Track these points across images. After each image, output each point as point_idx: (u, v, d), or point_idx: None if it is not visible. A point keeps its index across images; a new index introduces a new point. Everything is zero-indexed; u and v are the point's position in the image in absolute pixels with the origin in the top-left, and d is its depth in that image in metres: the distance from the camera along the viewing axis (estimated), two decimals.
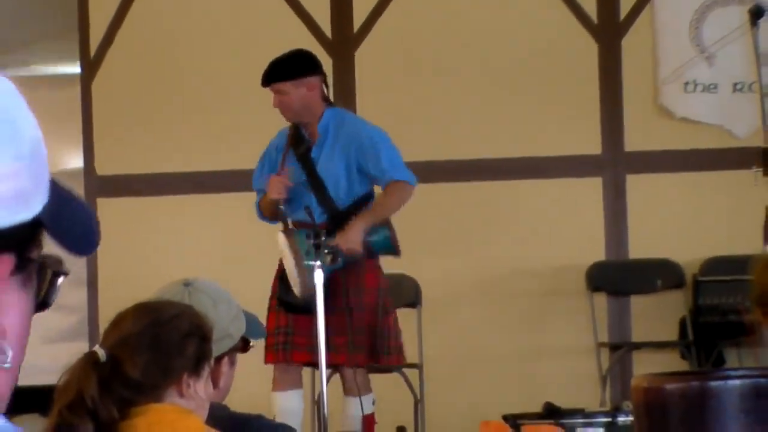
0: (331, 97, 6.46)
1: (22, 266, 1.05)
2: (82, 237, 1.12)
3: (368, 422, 5.92)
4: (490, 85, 7.88)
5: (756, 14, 6.68)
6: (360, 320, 5.77)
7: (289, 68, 6.08)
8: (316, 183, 6.06)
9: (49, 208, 1.05)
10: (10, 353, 1.03)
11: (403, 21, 7.90)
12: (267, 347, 5.88)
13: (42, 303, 1.09)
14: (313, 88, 6.07)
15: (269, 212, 6.13)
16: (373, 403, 5.98)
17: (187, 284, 3.13)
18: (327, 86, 6.24)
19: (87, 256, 1.26)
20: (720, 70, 7.70)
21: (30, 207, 1.03)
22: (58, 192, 1.07)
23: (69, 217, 1.10)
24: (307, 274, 5.76)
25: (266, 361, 5.95)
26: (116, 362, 2.63)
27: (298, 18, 7.93)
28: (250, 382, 6.02)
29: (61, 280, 1.12)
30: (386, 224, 6.01)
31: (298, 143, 6.11)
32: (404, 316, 6.91)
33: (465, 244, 7.79)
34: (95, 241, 1.14)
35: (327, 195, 6.05)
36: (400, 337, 6.22)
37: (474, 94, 7.87)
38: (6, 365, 1.03)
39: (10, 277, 1.03)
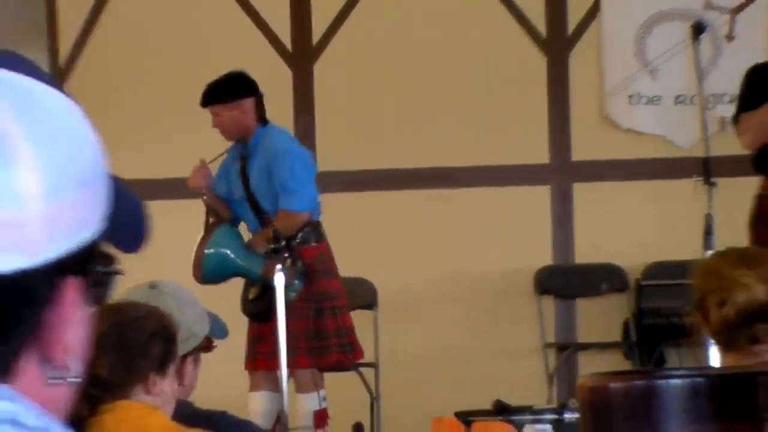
0: (292, 109, 6.63)
1: (86, 284, 1.04)
2: (132, 233, 1.13)
3: (319, 417, 6.08)
4: (445, 98, 7.97)
5: (698, 30, 6.74)
6: (294, 325, 5.87)
7: (222, 91, 6.32)
8: (249, 197, 6.29)
9: (105, 213, 1.03)
10: (75, 368, 1.04)
11: (361, 35, 7.98)
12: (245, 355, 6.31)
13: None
14: (246, 110, 6.28)
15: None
16: (324, 399, 6.13)
17: (152, 287, 3.19)
18: (262, 106, 6.40)
19: (135, 252, 1.19)
20: (663, 83, 7.79)
21: (91, 227, 1.01)
22: (112, 191, 1.05)
23: (121, 215, 1.07)
24: (204, 263, 6.16)
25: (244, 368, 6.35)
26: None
27: (259, 31, 8.01)
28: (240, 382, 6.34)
29: (115, 279, 1.14)
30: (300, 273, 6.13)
31: (240, 159, 6.34)
32: (362, 318, 7.09)
33: (420, 249, 7.86)
34: (144, 237, 1.14)
35: (260, 209, 6.27)
36: (346, 335, 6.35)
37: (429, 106, 7.95)
38: (72, 380, 1.04)
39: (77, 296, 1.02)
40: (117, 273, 1.16)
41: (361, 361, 6.82)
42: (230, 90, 6.34)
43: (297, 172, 6.20)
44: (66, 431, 1.05)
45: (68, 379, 1.06)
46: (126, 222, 1.11)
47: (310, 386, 6.15)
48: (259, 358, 6.20)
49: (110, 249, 1.09)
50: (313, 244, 6.25)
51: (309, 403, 6.11)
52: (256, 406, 6.15)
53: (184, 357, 3.10)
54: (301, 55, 8.03)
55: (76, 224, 0.99)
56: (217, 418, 3.50)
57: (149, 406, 3.00)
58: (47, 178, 0.97)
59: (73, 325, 1.04)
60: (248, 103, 6.28)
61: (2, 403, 1.01)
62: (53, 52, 8.21)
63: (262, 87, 6.60)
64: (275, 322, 5.60)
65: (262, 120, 6.35)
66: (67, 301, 1.02)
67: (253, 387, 6.25)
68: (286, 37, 8.04)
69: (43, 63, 8.41)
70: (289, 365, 5.78)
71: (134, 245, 1.15)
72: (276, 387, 5.93)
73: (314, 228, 6.31)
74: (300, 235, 6.15)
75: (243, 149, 6.34)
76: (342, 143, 7.88)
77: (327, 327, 6.19)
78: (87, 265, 1.03)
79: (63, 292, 1.01)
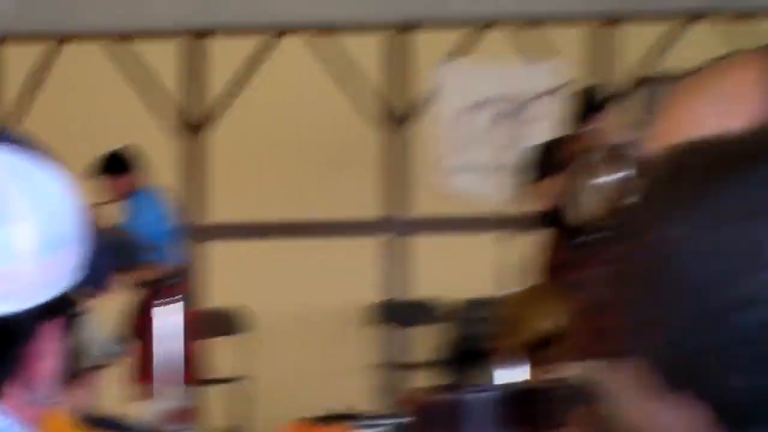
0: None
1: (62, 323, 1.10)
2: (101, 280, 1.18)
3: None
4: (304, 166, 8.86)
5: (509, 113, 7.60)
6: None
7: (104, 167, 7.41)
8: None
9: (83, 265, 1.09)
10: (51, 392, 1.11)
11: (245, 113, 8.83)
12: None
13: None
14: (124, 183, 7.41)
15: None
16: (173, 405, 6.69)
17: None
18: (139, 179, 7.50)
19: (99, 296, 1.21)
20: (484, 153, 8.31)
21: (72, 277, 1.08)
22: (87, 246, 1.10)
23: (94, 266, 1.11)
24: None
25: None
26: None
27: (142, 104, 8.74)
28: None
29: (83, 318, 1.24)
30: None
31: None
32: (236, 341, 8.25)
33: (285, 285, 8.57)
34: (110, 283, 1.19)
35: None
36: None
37: (292, 172, 8.84)
38: (48, 401, 1.12)
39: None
40: (85, 313, 1.31)
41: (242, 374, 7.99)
42: (110, 166, 7.45)
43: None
44: None
45: (45, 401, 1.13)
46: (96, 270, 1.13)
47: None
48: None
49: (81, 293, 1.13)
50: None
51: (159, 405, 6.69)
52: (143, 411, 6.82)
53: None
54: (194, 126, 8.89)
55: (61, 275, 1.06)
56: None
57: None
58: (40, 237, 1.03)
59: (50, 357, 1.09)
60: (126, 177, 7.46)
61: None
62: None
63: (159, 154, 7.75)
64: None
65: (137, 189, 7.46)
66: (47, 338, 1.08)
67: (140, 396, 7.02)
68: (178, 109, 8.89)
69: None
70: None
71: (102, 289, 1.19)
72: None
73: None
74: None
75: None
76: (230, 201, 8.75)
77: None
78: (65, 307, 1.09)
79: (44, 330, 1.08)
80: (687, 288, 0.67)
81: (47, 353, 1.10)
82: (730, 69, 0.85)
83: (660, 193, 0.69)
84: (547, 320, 4.88)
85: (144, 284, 6.95)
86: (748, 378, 0.66)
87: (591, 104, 6.65)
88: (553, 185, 6.30)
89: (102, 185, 7.30)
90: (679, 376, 0.70)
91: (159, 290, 6.86)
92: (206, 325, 7.64)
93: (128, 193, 7.40)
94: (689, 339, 0.68)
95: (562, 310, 4.66)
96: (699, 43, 8.22)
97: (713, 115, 0.79)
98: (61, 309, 1.09)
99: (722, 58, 0.86)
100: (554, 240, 6.46)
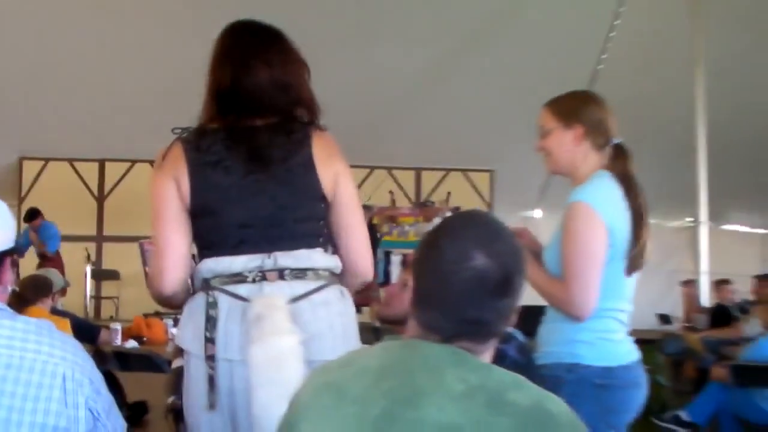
0: None
1: (12, 260, 2.20)
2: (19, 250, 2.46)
3: None
4: None
5: None
6: None
7: None
8: None
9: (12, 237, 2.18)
10: (7, 289, 2.17)
11: None
12: None
13: None
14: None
15: None
16: None
17: None
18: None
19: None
20: None
21: (11, 242, 2.16)
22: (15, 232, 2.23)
23: (17, 242, 2.18)
24: None
25: None
26: None
27: None
28: None
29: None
30: None
31: None
32: None
33: None
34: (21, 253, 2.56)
35: None
36: None
37: None
38: (7, 291, 2.16)
39: None
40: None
41: None
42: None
43: None
44: (12, 314, 2.06)
45: (7, 292, 2.11)
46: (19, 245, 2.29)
47: None
48: None
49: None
50: None
51: None
52: None
53: None
54: None
55: (7, 241, 2.12)
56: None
57: None
58: (1, 227, 2.10)
59: (8, 274, 2.11)
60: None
61: None
62: None
63: None
64: None
65: None
66: (6, 264, 2.11)
67: None
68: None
69: None
70: None
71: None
72: None
73: None
74: None
75: None
76: None
77: None
78: (10, 253, 2.12)
79: (4, 261, 2.11)
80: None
81: (6, 272, 2.08)
82: None
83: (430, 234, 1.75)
84: None
85: None
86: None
87: None
88: None
89: None
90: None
91: None
92: None
93: None
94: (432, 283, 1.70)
95: None
96: None
97: None
98: (8, 254, 2.09)
99: None
100: None
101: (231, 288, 2.49)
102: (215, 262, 2.52)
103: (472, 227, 1.70)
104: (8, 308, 2.03)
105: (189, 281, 2.59)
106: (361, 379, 1.65)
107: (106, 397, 2.10)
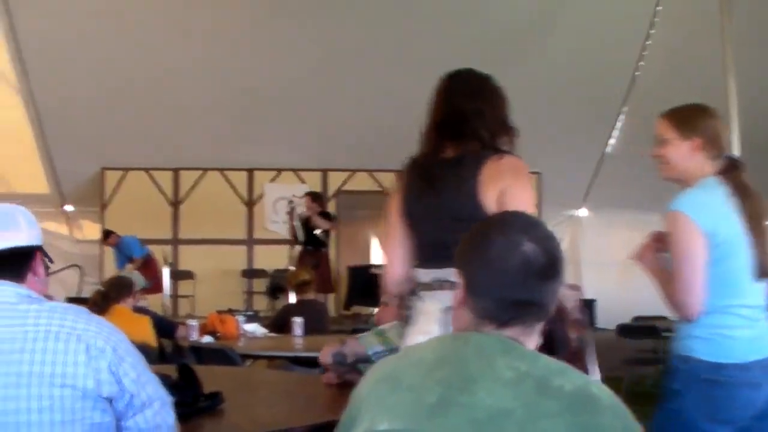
0: None
1: (41, 254, 2.34)
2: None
3: None
4: None
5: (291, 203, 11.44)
6: None
7: None
8: None
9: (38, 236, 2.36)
10: (45, 281, 2.37)
11: None
12: None
13: None
14: None
15: None
16: None
17: None
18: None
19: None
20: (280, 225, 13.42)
21: (39, 239, 2.35)
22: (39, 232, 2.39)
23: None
24: None
25: None
26: None
27: None
28: None
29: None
30: None
31: None
32: None
33: None
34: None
35: None
36: None
37: None
38: (43, 282, 2.35)
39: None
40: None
41: None
42: None
43: None
44: (40, 299, 2.22)
45: (46, 285, 2.30)
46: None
47: None
48: None
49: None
50: None
51: None
52: None
53: None
54: None
55: (35, 239, 2.30)
56: None
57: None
58: (29, 227, 2.28)
59: (41, 267, 2.29)
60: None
61: (23, 289, 2.21)
62: None
63: None
64: None
65: None
66: (38, 258, 2.29)
67: None
68: None
69: None
70: None
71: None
72: None
73: None
74: None
75: None
76: None
77: None
78: (39, 249, 2.30)
79: (35, 254, 2.28)
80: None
81: (39, 265, 2.26)
82: None
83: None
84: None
85: None
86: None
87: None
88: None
89: None
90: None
91: None
92: None
93: None
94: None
95: None
96: None
97: None
98: (37, 249, 2.28)
99: None
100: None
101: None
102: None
103: (514, 218, 1.79)
104: (41, 297, 2.22)
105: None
106: (416, 369, 1.67)
107: (136, 366, 2.17)
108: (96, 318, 2.20)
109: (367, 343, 3.70)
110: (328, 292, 11.38)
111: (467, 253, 1.74)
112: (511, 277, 1.67)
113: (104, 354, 2.09)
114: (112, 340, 2.14)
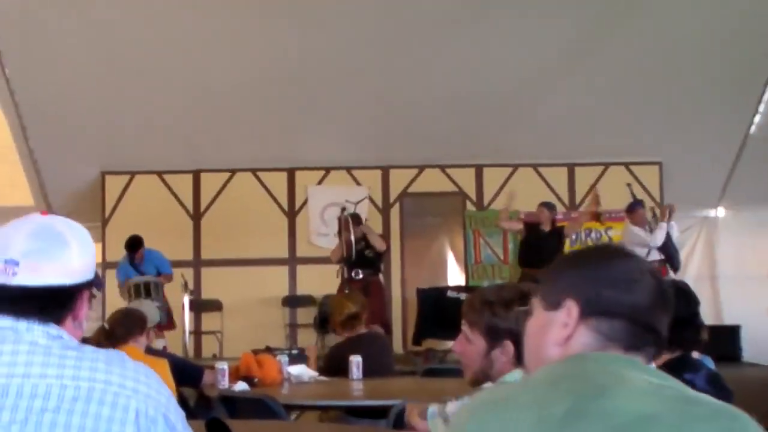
0: None
1: (88, 293, 2.32)
2: (98, 283, 2.37)
3: None
4: None
5: (343, 209, 11.94)
6: None
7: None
8: None
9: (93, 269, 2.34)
10: (83, 325, 2.30)
11: None
12: None
13: None
14: None
15: None
16: None
17: None
18: None
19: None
20: (331, 228, 13.53)
21: (91, 274, 2.29)
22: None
23: (96, 275, 2.32)
24: None
25: None
26: None
27: None
28: None
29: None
30: None
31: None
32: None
33: None
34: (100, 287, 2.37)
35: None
36: None
37: None
38: (82, 328, 2.30)
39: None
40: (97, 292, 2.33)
41: None
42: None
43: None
44: (78, 344, 2.20)
45: (82, 328, 2.25)
46: (98, 278, 2.30)
47: None
48: None
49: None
50: None
51: None
52: None
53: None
54: None
55: (88, 271, 2.26)
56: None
57: None
58: (82, 254, 2.24)
59: (84, 309, 2.24)
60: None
61: (53, 328, 2.18)
62: None
63: None
64: None
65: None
66: (83, 299, 2.24)
67: None
68: None
69: None
70: None
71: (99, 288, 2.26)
72: None
73: None
74: None
75: None
76: None
77: None
78: (88, 287, 2.26)
79: (82, 295, 2.23)
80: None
81: (83, 307, 2.22)
82: None
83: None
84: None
85: None
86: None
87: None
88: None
89: None
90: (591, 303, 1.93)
91: None
92: None
93: None
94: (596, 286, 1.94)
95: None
96: None
97: None
98: (86, 287, 2.23)
99: None
100: None
101: None
102: None
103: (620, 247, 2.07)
104: (75, 340, 2.17)
105: None
106: (531, 389, 1.83)
107: None
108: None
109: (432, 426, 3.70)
110: (383, 327, 11.21)
111: (588, 269, 1.96)
112: (644, 298, 1.89)
113: (156, 425, 2.09)
114: (163, 404, 2.14)
